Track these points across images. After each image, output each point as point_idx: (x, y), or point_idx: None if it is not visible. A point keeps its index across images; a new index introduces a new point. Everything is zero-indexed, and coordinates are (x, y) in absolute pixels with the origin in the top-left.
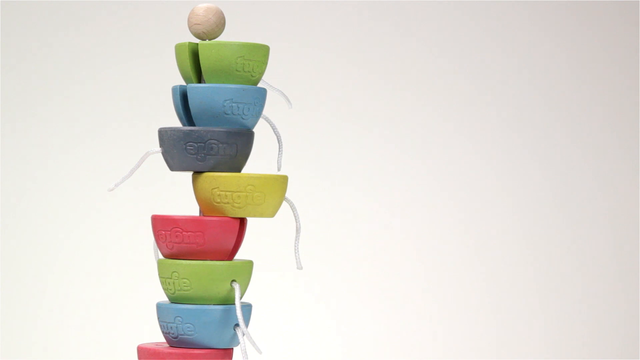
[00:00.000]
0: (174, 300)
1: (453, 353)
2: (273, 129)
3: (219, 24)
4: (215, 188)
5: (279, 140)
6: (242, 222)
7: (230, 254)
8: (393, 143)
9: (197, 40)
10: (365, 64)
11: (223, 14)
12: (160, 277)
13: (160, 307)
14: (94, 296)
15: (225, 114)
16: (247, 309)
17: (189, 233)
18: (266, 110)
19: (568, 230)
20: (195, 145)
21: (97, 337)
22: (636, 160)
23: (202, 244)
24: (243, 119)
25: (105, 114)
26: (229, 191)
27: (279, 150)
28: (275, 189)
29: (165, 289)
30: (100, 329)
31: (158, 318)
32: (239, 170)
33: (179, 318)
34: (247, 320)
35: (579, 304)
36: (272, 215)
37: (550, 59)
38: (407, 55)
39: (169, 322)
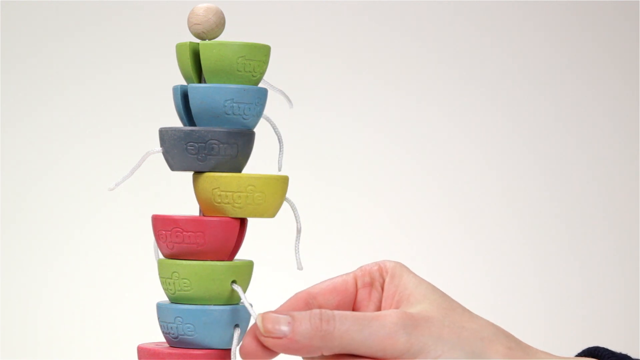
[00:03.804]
0: (174, 300)
1: None
2: (274, 129)
3: (219, 24)
4: (215, 188)
5: (280, 141)
6: (243, 222)
7: (230, 254)
8: (394, 143)
9: (197, 40)
10: (366, 64)
11: (223, 14)
12: (161, 277)
13: (160, 307)
14: (94, 296)
15: (227, 114)
16: (242, 310)
17: (190, 233)
18: (267, 110)
19: (568, 231)
20: (196, 145)
21: (97, 337)
22: (636, 160)
23: (203, 244)
24: (244, 119)
25: (105, 113)
26: (230, 191)
27: (280, 151)
28: (276, 190)
29: (165, 289)
30: (100, 328)
31: (158, 318)
32: (239, 170)
33: (179, 318)
34: (247, 322)
35: (579, 304)
36: (273, 215)
37: (550, 59)
38: (408, 56)
39: (169, 323)
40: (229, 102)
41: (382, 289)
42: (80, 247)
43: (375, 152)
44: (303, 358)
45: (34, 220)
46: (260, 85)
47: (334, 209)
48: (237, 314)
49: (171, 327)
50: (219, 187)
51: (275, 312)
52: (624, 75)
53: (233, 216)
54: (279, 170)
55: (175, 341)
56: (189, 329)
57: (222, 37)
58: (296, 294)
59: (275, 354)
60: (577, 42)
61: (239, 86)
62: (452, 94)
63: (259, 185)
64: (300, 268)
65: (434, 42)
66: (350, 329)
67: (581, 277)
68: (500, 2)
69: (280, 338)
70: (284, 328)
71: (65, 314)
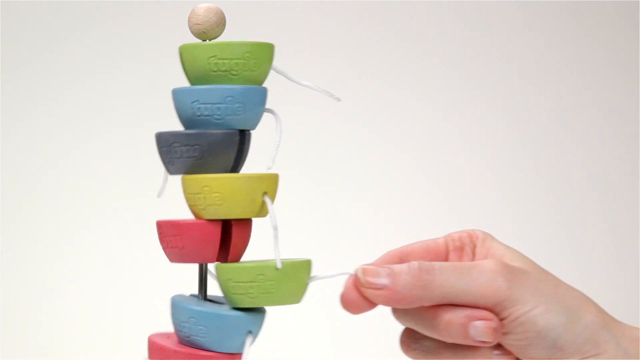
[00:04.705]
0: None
1: None
2: (277, 124)
3: (220, 24)
4: (184, 191)
5: (278, 137)
6: (237, 224)
7: (223, 257)
8: (392, 143)
9: (194, 41)
10: (367, 64)
11: (224, 14)
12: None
13: (175, 304)
14: (99, 294)
15: (196, 115)
16: (260, 316)
17: (171, 237)
18: (279, 108)
19: (568, 231)
20: (165, 149)
21: (102, 335)
22: (636, 160)
23: (183, 247)
24: (217, 119)
25: (110, 114)
26: (192, 193)
27: (275, 147)
28: (235, 190)
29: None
30: (105, 327)
31: (172, 314)
32: (225, 171)
33: (192, 319)
34: (259, 328)
35: None
36: (245, 215)
37: (550, 59)
38: (407, 55)
39: (182, 321)
40: (195, 103)
41: (473, 253)
42: (82, 247)
43: (375, 153)
44: (394, 316)
45: (38, 220)
46: (303, 85)
47: (332, 208)
48: (251, 321)
49: (184, 326)
50: (185, 190)
51: (373, 264)
52: (624, 75)
53: (201, 218)
54: (269, 168)
55: (186, 340)
56: (201, 331)
57: (222, 37)
58: (389, 252)
59: (374, 305)
60: (577, 42)
61: (205, 87)
62: (451, 94)
63: (214, 185)
64: (279, 267)
65: (432, 42)
66: (450, 277)
67: (581, 276)
68: (500, 2)
69: (381, 289)
70: (384, 280)
71: (70, 313)
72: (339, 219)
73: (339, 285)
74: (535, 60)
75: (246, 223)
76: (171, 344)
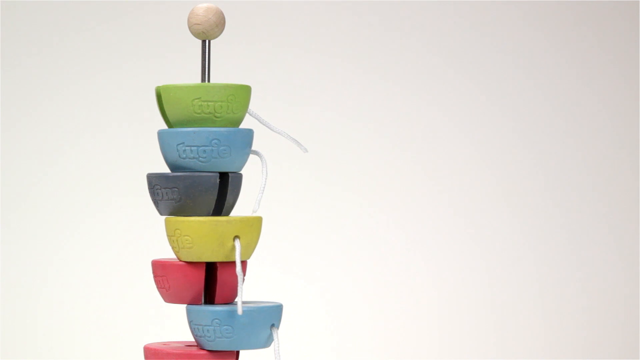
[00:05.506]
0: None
1: (453, 354)
2: (263, 166)
3: (219, 24)
4: (165, 233)
5: (264, 180)
6: (225, 265)
7: (207, 298)
8: (392, 143)
9: (199, 39)
10: (366, 66)
11: (223, 14)
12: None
13: (193, 310)
14: (100, 297)
15: (181, 157)
16: (280, 308)
17: (159, 277)
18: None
19: (568, 231)
20: (150, 190)
21: (103, 339)
22: (636, 160)
23: (170, 287)
24: (202, 162)
25: (107, 115)
26: (169, 235)
27: (260, 190)
28: (203, 233)
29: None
30: (106, 330)
31: (190, 321)
32: (207, 214)
33: (216, 320)
34: (280, 320)
35: (579, 304)
36: (215, 259)
37: (550, 59)
38: (404, 56)
39: (205, 325)
40: (180, 146)
41: None
42: (84, 247)
43: (374, 153)
44: None
45: (40, 221)
46: (274, 131)
47: (332, 208)
48: (274, 314)
49: (207, 330)
50: (165, 232)
51: None
52: (624, 75)
53: (180, 259)
54: (254, 212)
55: (211, 344)
56: (227, 331)
57: (222, 38)
58: None
59: None
60: (577, 42)
61: (191, 129)
62: (451, 95)
63: (183, 228)
64: (240, 313)
65: (433, 42)
66: None
67: (581, 277)
68: (500, 2)
69: None
70: None
71: (70, 315)
72: (334, 218)
73: (338, 287)
74: (535, 60)
75: (234, 265)
76: (168, 348)
